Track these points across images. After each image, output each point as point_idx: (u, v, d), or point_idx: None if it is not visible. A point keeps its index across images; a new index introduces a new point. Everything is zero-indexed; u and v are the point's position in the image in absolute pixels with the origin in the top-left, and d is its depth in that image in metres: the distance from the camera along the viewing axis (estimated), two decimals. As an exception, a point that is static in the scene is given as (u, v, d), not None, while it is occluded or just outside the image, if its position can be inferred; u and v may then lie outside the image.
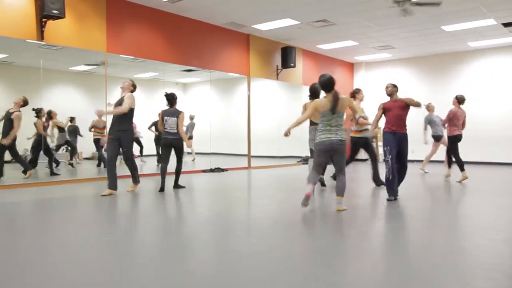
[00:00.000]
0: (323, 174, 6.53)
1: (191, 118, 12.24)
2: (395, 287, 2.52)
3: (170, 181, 6.89)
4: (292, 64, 12.20)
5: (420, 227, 4.26)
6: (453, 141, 8.06)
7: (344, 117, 5.11)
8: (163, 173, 6.70)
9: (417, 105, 5.77)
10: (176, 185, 7.00)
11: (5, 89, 8.62)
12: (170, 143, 6.69)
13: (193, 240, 3.70)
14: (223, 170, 10.45)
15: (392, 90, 5.98)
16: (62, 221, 4.54)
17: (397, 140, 5.69)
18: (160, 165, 7.15)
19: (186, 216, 4.76)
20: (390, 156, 5.62)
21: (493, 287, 2.52)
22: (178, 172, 6.98)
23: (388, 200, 5.65)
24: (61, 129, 9.06)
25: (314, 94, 6.22)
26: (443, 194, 6.73)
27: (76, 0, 7.95)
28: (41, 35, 7.46)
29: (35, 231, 4.06)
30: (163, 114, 6.81)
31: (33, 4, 7.39)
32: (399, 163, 5.76)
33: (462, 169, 8.00)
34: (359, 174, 10.05)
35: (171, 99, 6.88)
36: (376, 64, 15.50)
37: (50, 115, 8.64)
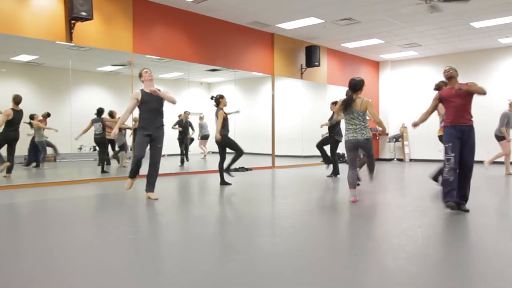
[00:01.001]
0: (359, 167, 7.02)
1: (201, 118, 12.22)
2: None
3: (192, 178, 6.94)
4: (316, 63, 12.13)
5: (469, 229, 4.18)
6: None
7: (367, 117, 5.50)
8: (221, 169, 7.33)
9: (482, 92, 4.70)
10: (223, 181, 7.42)
11: (35, 90, 8.86)
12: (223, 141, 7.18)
13: (217, 239, 3.72)
14: (247, 169, 10.48)
15: (452, 73, 4.93)
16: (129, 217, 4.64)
17: (460, 134, 4.78)
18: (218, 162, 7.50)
19: (209, 214, 4.79)
20: (453, 154, 4.71)
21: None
22: (226, 167, 7.39)
23: (447, 206, 4.73)
24: (120, 130, 9.42)
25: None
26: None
27: (104, 2, 8.11)
28: (70, 37, 7.64)
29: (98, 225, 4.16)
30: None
31: (63, 7, 7.58)
32: (461, 162, 4.78)
33: None
34: (386, 173, 9.91)
35: (215, 100, 7.30)
36: (402, 62, 15.26)
37: (112, 115, 9.33)
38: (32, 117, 8.33)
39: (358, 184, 8.55)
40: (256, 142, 12.11)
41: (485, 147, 9.77)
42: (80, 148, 9.44)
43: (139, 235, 3.82)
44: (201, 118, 12.31)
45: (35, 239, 3.68)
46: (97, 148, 9.22)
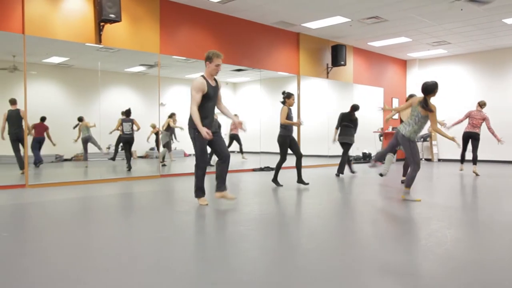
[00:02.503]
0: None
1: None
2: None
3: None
4: (342, 62, 12.03)
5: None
6: None
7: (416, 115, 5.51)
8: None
9: None
10: (300, 180, 7.49)
11: (65, 91, 9.09)
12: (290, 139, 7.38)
13: (243, 238, 3.74)
14: (272, 169, 10.46)
15: None
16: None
17: None
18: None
19: (235, 214, 4.82)
20: None
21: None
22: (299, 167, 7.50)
23: None
24: (167, 128, 10.03)
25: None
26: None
27: (132, 4, 8.26)
28: (99, 39, 7.81)
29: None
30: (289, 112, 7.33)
31: (92, 9, 7.75)
32: None
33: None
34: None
35: (284, 96, 7.34)
36: (431, 60, 14.96)
37: (173, 117, 9.83)
38: (81, 119, 8.78)
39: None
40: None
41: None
42: (109, 148, 9.64)
43: (164, 233, 3.87)
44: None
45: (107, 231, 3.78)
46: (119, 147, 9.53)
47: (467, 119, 9.29)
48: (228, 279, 2.62)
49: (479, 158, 9.55)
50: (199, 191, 5.25)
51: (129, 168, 9.02)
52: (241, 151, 11.68)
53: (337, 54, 12.05)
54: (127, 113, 9.11)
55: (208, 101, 5.02)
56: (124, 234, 3.86)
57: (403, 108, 6.14)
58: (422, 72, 15.21)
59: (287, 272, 2.76)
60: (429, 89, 5.41)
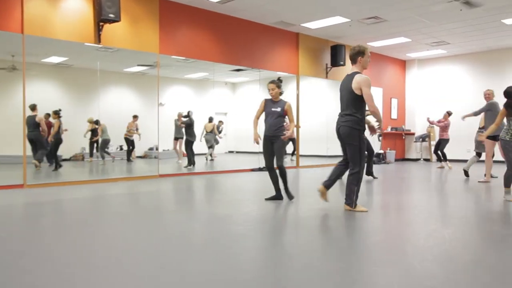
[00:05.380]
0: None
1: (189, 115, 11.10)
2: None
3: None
4: (341, 62, 12.03)
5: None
6: None
7: None
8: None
9: None
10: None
11: (65, 90, 9.09)
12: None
13: (241, 238, 3.74)
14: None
15: None
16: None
17: None
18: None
19: (235, 213, 4.82)
20: None
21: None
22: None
23: None
24: (211, 131, 10.98)
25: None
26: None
27: (131, 4, 8.26)
28: (98, 38, 7.81)
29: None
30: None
31: (91, 9, 7.75)
32: None
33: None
34: (413, 174, 9.76)
35: None
36: (430, 61, 14.98)
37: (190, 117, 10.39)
38: (97, 122, 8.97)
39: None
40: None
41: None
42: (121, 148, 9.82)
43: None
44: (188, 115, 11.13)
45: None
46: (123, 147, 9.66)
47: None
48: (223, 278, 2.62)
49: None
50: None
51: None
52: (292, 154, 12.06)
53: (337, 54, 12.05)
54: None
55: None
56: (121, 235, 3.86)
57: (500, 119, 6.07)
58: (421, 72, 15.23)
59: (283, 272, 2.76)
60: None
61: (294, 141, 12.00)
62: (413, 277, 2.67)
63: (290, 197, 5.67)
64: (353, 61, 4.96)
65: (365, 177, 7.94)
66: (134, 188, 7.04)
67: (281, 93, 5.80)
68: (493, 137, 7.50)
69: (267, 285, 2.52)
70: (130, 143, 9.73)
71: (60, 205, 5.57)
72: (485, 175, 8.04)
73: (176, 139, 10.78)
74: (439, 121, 11.44)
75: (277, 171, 5.69)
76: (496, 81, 13.28)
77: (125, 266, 2.91)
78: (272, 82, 5.60)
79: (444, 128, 11.19)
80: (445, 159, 11.33)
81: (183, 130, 10.58)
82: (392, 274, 2.77)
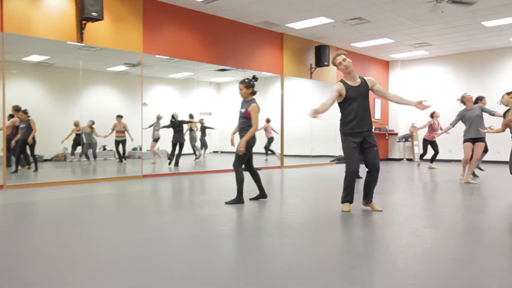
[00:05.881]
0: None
1: (158, 118, 10.81)
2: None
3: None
4: (326, 63, 12.10)
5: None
6: None
7: None
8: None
9: None
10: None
11: (46, 90, 8.95)
12: None
13: (226, 238, 3.73)
14: (256, 169, 10.47)
15: None
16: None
17: None
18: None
19: (218, 214, 4.81)
20: None
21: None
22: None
23: None
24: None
25: None
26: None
27: (114, 3, 8.17)
28: (80, 37, 7.71)
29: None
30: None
31: (74, 7, 7.65)
32: None
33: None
34: (396, 173, 9.86)
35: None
36: (412, 62, 15.16)
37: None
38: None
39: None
40: (265, 141, 12.12)
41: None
42: (104, 149, 9.82)
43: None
44: (158, 118, 10.75)
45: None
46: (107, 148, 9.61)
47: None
48: (209, 279, 2.61)
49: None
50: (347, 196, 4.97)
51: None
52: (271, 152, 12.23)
53: (321, 55, 12.12)
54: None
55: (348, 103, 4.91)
56: (104, 236, 3.81)
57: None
58: (404, 73, 15.40)
59: (267, 272, 2.76)
60: None
61: (272, 140, 12.03)
62: (396, 275, 2.70)
63: (237, 200, 5.45)
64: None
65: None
66: (116, 189, 6.97)
67: (253, 93, 5.52)
68: (473, 139, 7.60)
69: (251, 285, 2.52)
70: (123, 143, 9.65)
71: (38, 206, 5.48)
72: (463, 175, 8.08)
73: (155, 140, 10.65)
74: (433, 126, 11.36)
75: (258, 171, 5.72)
76: (477, 81, 13.53)
77: (106, 268, 2.87)
78: (241, 82, 5.52)
79: (433, 129, 11.23)
80: (421, 158, 11.55)
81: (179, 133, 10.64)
82: (375, 272, 2.79)
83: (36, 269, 2.82)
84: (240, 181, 5.47)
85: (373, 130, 4.52)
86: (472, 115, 7.59)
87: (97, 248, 3.36)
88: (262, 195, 5.77)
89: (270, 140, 12.22)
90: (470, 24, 10.45)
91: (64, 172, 9.06)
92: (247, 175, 5.64)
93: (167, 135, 10.57)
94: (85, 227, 4.14)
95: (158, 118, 10.71)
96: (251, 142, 5.43)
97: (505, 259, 3.08)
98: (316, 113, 4.42)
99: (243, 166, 5.56)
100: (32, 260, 3.02)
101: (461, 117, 7.80)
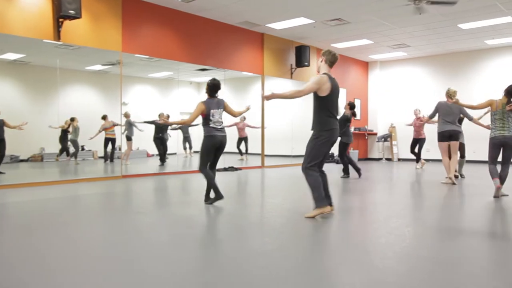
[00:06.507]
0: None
1: (126, 115, 10.07)
2: (411, 286, 2.50)
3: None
4: (306, 63, 12.16)
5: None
6: None
7: None
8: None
9: None
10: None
11: (22, 89, 8.76)
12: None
13: (207, 238, 3.71)
14: (236, 169, 10.47)
15: None
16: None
17: None
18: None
19: (199, 214, 4.78)
20: None
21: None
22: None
23: None
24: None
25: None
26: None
27: (92, 1, 8.05)
28: (57, 35, 7.57)
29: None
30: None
31: (50, 5, 7.50)
32: None
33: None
34: (375, 173, 9.97)
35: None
36: (391, 62, 15.38)
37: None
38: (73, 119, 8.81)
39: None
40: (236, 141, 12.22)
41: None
42: (83, 149, 9.66)
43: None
44: (127, 116, 10.02)
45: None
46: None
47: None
48: (190, 280, 2.59)
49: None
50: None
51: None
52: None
53: (301, 55, 12.17)
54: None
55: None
56: (85, 237, 3.75)
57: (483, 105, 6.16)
58: (383, 74, 15.60)
59: (247, 272, 2.75)
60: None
61: (246, 139, 12.12)
62: (375, 274, 2.72)
63: (216, 198, 5.34)
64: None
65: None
66: (95, 189, 6.87)
67: (208, 93, 5.64)
68: (448, 137, 7.53)
69: (232, 285, 2.51)
70: (113, 142, 9.55)
71: (11, 208, 5.36)
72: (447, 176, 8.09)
73: (129, 139, 10.40)
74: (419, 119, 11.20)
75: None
76: (453, 82, 13.76)
77: (82, 270, 2.83)
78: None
79: (421, 127, 11.19)
80: (418, 160, 11.48)
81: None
82: (354, 271, 2.82)
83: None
84: (210, 179, 5.33)
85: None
86: (453, 109, 7.46)
87: (73, 251, 3.30)
88: (218, 196, 5.38)
89: (243, 139, 12.33)
90: (447, 27, 10.65)
91: (41, 172, 8.87)
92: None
93: (143, 134, 10.40)
94: (62, 229, 4.07)
95: (126, 116, 10.05)
96: (216, 145, 5.35)
97: (484, 258, 3.15)
98: (271, 97, 4.48)
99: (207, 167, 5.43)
100: None
101: (439, 109, 7.63)
